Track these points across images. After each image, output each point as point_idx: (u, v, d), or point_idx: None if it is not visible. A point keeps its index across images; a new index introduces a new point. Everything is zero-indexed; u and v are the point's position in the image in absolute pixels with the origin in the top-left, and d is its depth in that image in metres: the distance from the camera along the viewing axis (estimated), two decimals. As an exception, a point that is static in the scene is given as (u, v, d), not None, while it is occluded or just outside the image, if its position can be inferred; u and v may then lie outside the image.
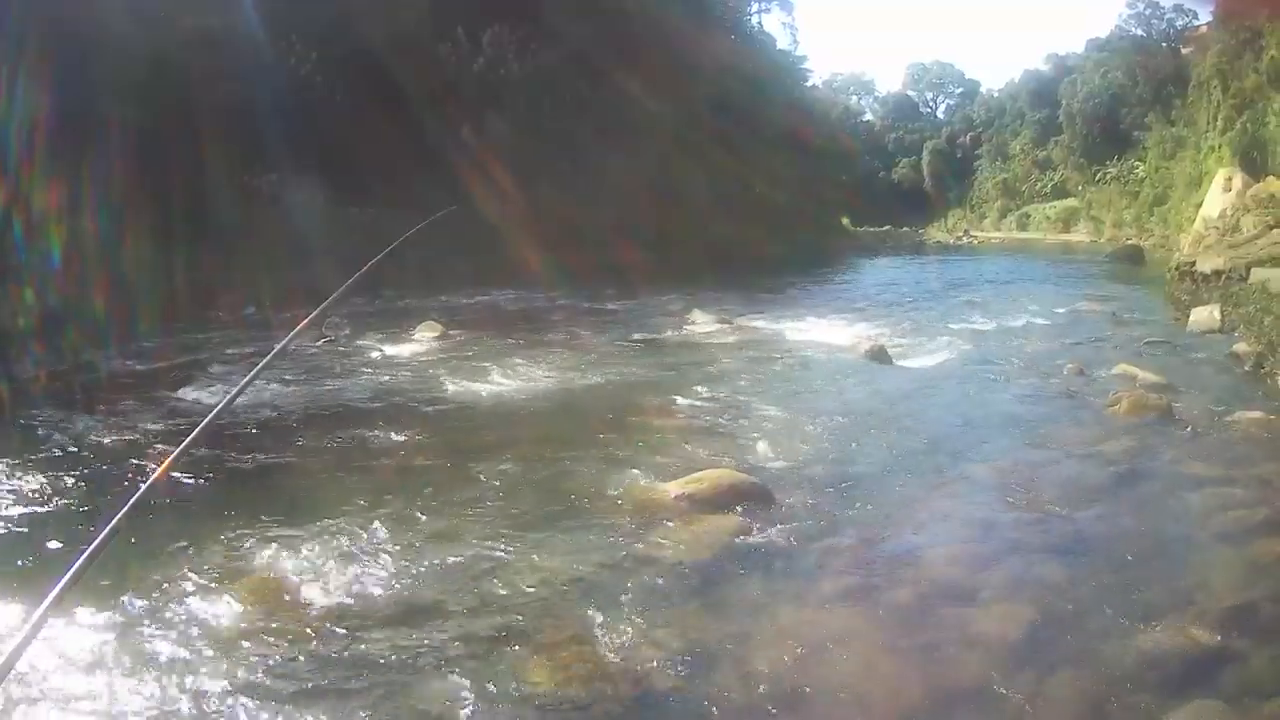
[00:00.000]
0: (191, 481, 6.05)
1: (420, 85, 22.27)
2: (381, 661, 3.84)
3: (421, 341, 12.41)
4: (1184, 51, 54.56)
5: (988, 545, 5.56)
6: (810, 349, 12.65)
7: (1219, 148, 34.21)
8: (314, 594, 4.50)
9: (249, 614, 4.25)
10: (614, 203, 24.40)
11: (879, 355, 11.66)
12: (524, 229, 21.18)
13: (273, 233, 17.58)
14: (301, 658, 3.86)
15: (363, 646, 3.96)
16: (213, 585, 4.51)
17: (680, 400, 8.96)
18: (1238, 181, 25.53)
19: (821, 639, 4.19)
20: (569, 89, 25.37)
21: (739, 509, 5.66)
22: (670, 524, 5.42)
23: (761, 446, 7.26)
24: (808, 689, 3.74)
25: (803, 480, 6.46)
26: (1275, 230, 18.59)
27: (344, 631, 4.09)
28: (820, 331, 14.20)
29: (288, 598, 4.45)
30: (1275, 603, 4.76)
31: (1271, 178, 24.73)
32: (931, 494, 6.46)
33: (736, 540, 5.25)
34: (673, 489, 5.84)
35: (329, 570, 4.73)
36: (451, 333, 13.03)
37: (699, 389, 9.42)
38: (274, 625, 4.15)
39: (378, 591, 4.54)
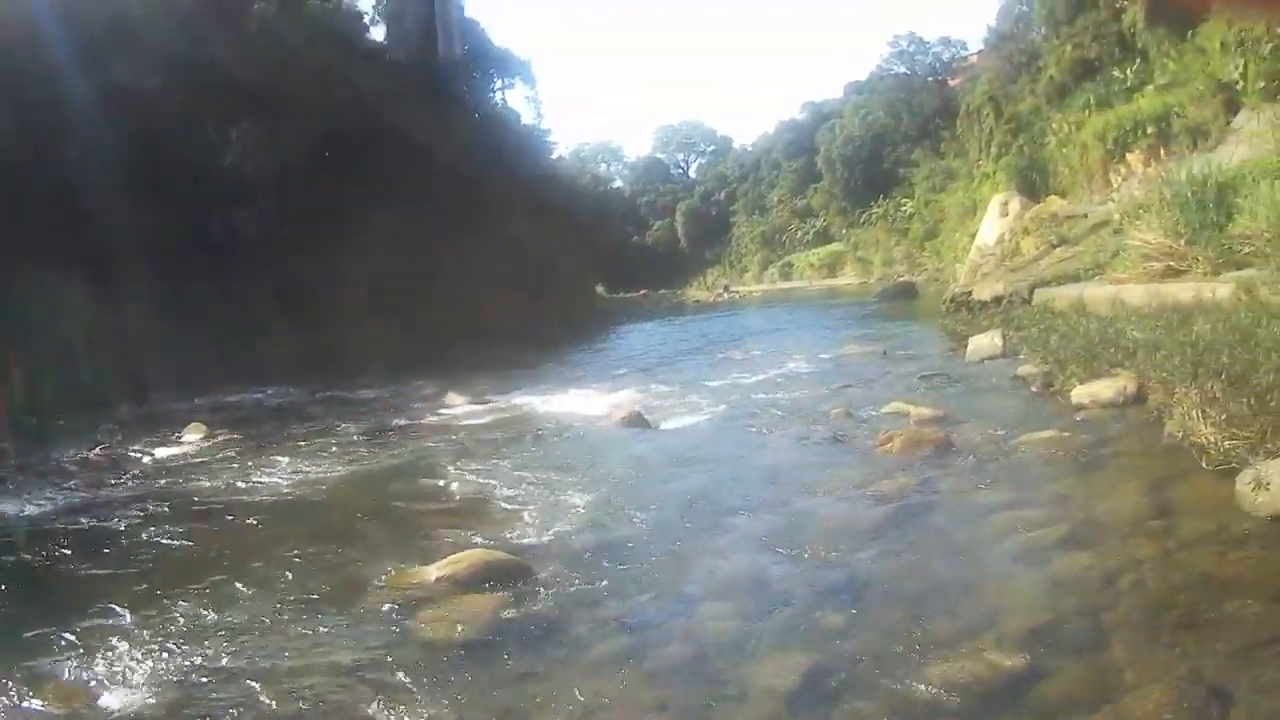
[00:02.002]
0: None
1: (174, 179, 26.16)
2: None
3: (190, 444, 14.00)
4: (951, 83, 61.80)
5: (758, 598, 5.99)
6: (566, 422, 14.06)
7: (994, 174, 38.47)
8: (69, 697, 5.26)
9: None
10: (361, 284, 28.92)
11: (637, 421, 13.00)
12: (278, 319, 25.86)
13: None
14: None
15: None
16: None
17: (438, 484, 10.16)
18: (1015, 205, 28.66)
19: (596, 706, 4.74)
20: (317, 177, 30.02)
21: (501, 586, 6.40)
22: (434, 607, 6.18)
23: (520, 523, 8.12)
24: None
25: (564, 553, 7.21)
26: (1058, 250, 20.92)
27: None
28: (576, 403, 15.84)
29: (58, 702, 5.22)
30: (1082, 616, 5.07)
31: (1053, 197, 27.97)
32: (697, 553, 7.03)
33: (501, 616, 5.96)
34: (434, 572, 6.65)
35: (88, 675, 5.49)
36: (217, 433, 14.69)
37: (456, 471, 10.59)
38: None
39: (158, 692, 5.21)
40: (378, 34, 43.41)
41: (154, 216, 24.46)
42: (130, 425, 15.58)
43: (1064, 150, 31.24)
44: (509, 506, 8.82)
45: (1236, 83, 21.34)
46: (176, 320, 22.92)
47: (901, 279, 46.65)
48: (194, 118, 28.34)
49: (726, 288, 72.50)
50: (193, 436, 14.51)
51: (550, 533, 7.80)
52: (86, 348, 20.06)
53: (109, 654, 5.70)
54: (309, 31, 32.48)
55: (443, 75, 41.44)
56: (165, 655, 5.65)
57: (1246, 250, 12.24)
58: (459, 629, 5.78)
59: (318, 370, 22.25)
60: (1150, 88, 27.97)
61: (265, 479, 11.08)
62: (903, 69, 69.72)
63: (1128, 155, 24.21)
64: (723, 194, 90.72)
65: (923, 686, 4.50)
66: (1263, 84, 19.83)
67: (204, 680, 5.30)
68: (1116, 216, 18.28)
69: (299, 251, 28.12)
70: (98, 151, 24.36)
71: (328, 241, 28.79)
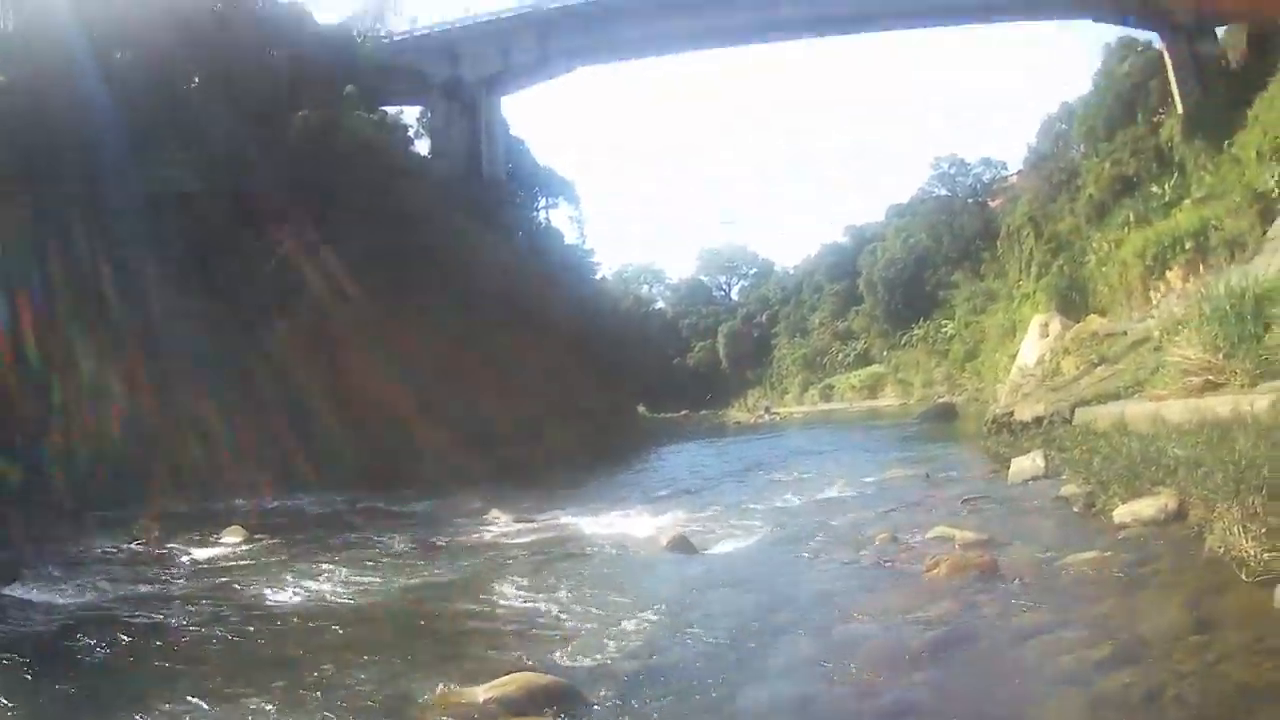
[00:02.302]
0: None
1: (221, 283, 27.44)
2: None
3: (229, 546, 14.23)
4: (992, 204, 63.04)
5: None
6: (612, 543, 14.09)
7: (1034, 294, 38.90)
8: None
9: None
10: (405, 397, 28.95)
11: (682, 545, 12.99)
12: (318, 426, 26.28)
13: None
14: None
15: None
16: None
17: (484, 602, 10.16)
18: (1056, 325, 28.93)
19: None
20: (360, 289, 30.21)
21: (551, 711, 6.40)
22: None
23: (568, 646, 8.11)
24: None
25: (613, 678, 7.22)
26: (1098, 369, 21.15)
27: None
28: (621, 524, 15.90)
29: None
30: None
31: (1093, 316, 28.29)
32: (745, 680, 7.08)
33: None
34: (482, 693, 6.63)
35: None
36: (257, 537, 14.87)
37: (502, 590, 10.67)
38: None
39: None
40: (422, 148, 44.67)
41: (201, 318, 25.43)
42: (169, 522, 15.90)
43: (1104, 269, 31.73)
44: (556, 628, 8.90)
45: (1272, 191, 21.80)
46: (217, 421, 23.53)
47: (942, 400, 46.82)
48: (240, 224, 29.40)
49: (768, 409, 72.87)
50: (232, 539, 14.80)
51: (599, 656, 7.83)
52: (128, 442, 20.85)
53: None
54: (353, 144, 33.63)
55: (487, 193, 42.80)
56: None
57: (1283, 359, 12.52)
58: None
59: (360, 480, 22.69)
60: (1188, 201, 28.49)
61: (307, 587, 11.23)
62: (944, 191, 71.60)
63: (1167, 272, 24.60)
64: (764, 316, 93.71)
65: None
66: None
67: None
68: (1156, 333, 18.58)
69: (342, 363, 28.97)
70: (150, 250, 25.23)
71: (370, 354, 29.38)
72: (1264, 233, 20.70)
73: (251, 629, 9.22)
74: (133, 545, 13.95)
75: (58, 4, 28.00)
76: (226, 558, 13.41)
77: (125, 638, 8.86)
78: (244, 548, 14.26)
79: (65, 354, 21.75)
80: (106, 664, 8.10)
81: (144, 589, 11.24)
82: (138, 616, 9.78)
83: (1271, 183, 22.02)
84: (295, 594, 10.92)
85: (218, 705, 6.77)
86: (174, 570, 12.44)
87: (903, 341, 66.14)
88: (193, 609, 10.09)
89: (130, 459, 20.50)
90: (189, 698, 6.92)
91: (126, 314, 24.04)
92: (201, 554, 13.57)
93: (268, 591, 10.99)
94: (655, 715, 6.51)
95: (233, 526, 15.48)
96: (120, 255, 25.04)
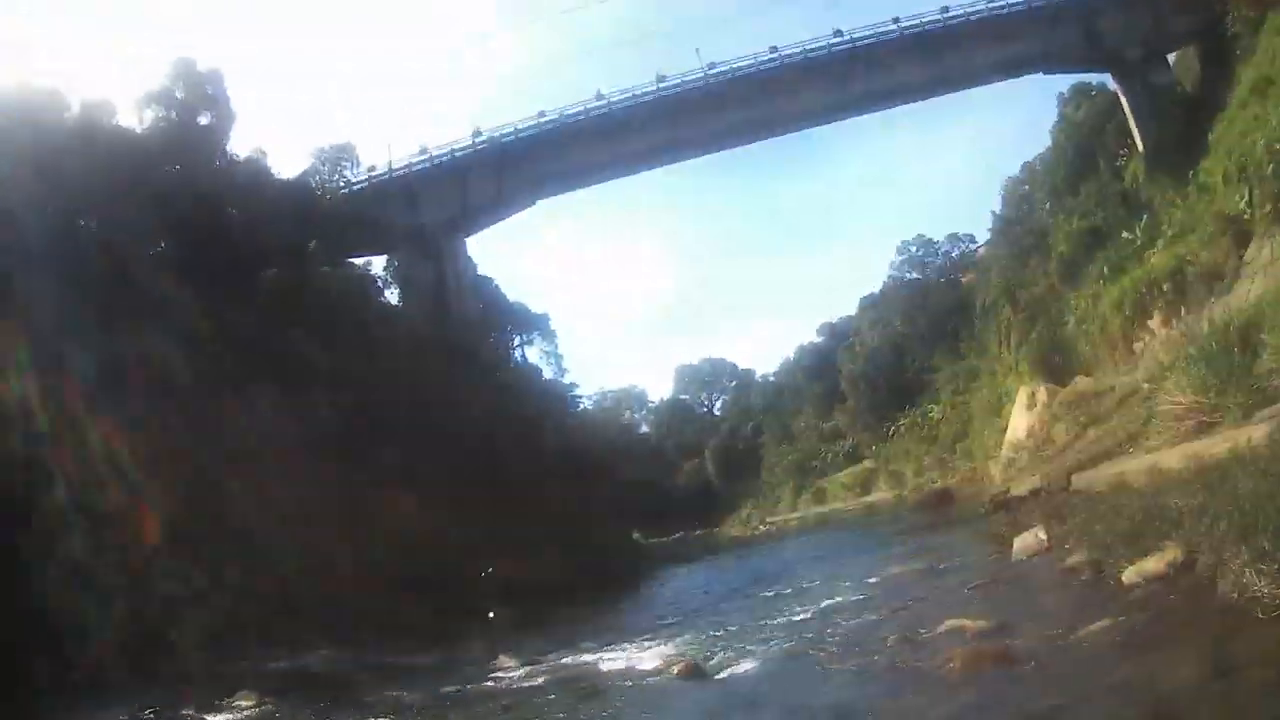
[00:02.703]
0: None
1: (194, 449, 26.54)
2: None
3: (242, 711, 14.22)
4: (964, 280, 63.95)
5: None
6: (623, 678, 14.06)
7: (1016, 365, 39.09)
8: None
9: None
10: (391, 555, 28.90)
11: (694, 672, 12.88)
12: (312, 583, 25.67)
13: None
14: None
15: None
16: None
17: None
18: (1042, 394, 29.09)
19: None
20: (338, 446, 30.44)
21: None
22: None
23: None
24: None
25: None
26: (1089, 431, 21.16)
27: None
28: (630, 657, 15.81)
29: None
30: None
31: (1080, 377, 28.41)
32: None
33: None
34: None
35: None
36: (266, 699, 14.82)
37: None
38: None
39: None
40: (392, 297, 45.41)
41: (175, 487, 24.76)
42: (177, 687, 15.96)
43: (1084, 327, 31.98)
44: None
45: (1244, 213, 22.03)
46: (206, 587, 22.96)
47: (936, 487, 46.78)
48: (211, 386, 29.18)
49: (762, 520, 73.08)
50: (243, 703, 14.72)
51: None
52: (126, 607, 20.31)
53: None
54: (322, 300, 34.18)
55: (460, 336, 43.40)
56: None
57: (1277, 384, 12.52)
58: None
59: (361, 635, 22.27)
60: (1161, 242, 28.83)
61: None
62: (914, 274, 72.81)
63: (1148, 320, 24.78)
64: (749, 427, 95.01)
65: None
66: (1269, 208, 20.43)
67: None
68: (1144, 384, 18.61)
69: (324, 524, 28.51)
70: (116, 413, 24.66)
71: (352, 514, 29.37)
72: (1240, 257, 20.85)
73: None
74: (143, 713, 13.89)
75: (20, 173, 28.18)
76: None
77: None
78: (256, 711, 14.27)
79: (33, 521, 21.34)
80: None
81: None
82: None
83: (1242, 204, 22.26)
84: None
85: None
86: None
87: (889, 433, 66.39)
88: None
89: (130, 623, 20.02)
90: None
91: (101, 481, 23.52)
92: None
93: None
94: None
95: (242, 692, 15.34)
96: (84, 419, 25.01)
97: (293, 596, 25.05)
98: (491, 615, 24.08)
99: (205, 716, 13.76)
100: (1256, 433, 11.32)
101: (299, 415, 30.55)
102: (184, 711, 14.15)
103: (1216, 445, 12.28)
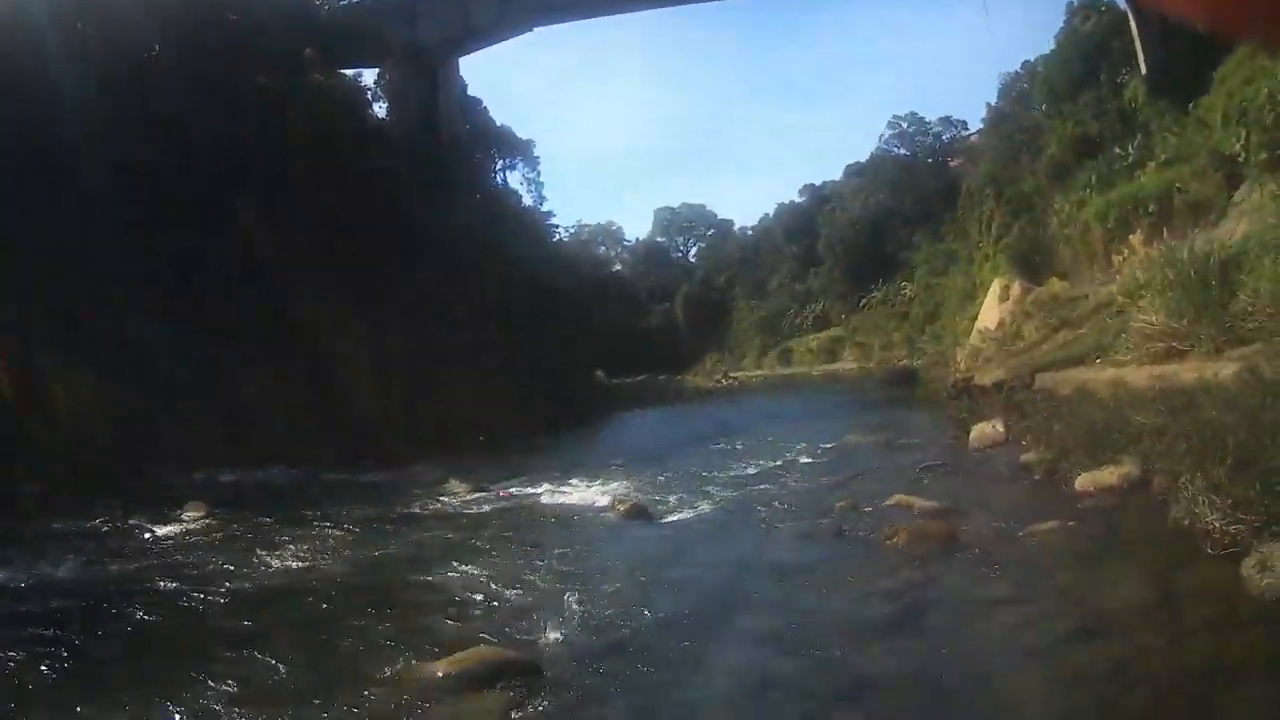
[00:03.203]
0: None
1: (178, 256, 26.18)
2: None
3: (189, 522, 14.10)
4: (952, 164, 62.96)
5: (768, 701, 6.07)
6: (570, 513, 14.25)
7: (993, 256, 38.86)
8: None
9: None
10: (362, 365, 29.12)
11: (640, 514, 13.09)
12: (280, 400, 25.72)
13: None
14: None
15: None
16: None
17: (443, 575, 10.14)
18: (1016, 289, 29.01)
19: None
20: (319, 255, 29.51)
21: (508, 685, 6.44)
22: (441, 704, 6.23)
23: (526, 620, 8.18)
24: None
25: (570, 651, 7.28)
26: (1059, 334, 21.18)
27: None
28: (579, 494, 16.03)
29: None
30: (1098, 708, 5.24)
31: (1055, 280, 28.30)
32: (704, 652, 7.07)
33: (510, 717, 5.98)
34: (440, 668, 6.70)
35: None
36: (216, 511, 14.78)
37: (461, 563, 10.64)
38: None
39: None
40: (380, 110, 44.26)
41: (157, 293, 24.83)
42: (130, 500, 15.60)
43: (1065, 232, 31.64)
44: (514, 601, 8.93)
45: (1238, 155, 21.77)
46: (175, 396, 23.21)
47: (901, 364, 46.96)
48: (196, 193, 28.25)
49: (726, 374, 72.85)
50: (192, 514, 14.66)
51: (556, 630, 7.83)
52: (88, 421, 20.65)
53: None
54: (310, 108, 32.96)
55: (444, 155, 42.29)
56: None
57: (1250, 326, 12.45)
58: None
59: (318, 451, 22.43)
60: (1152, 164, 28.46)
61: (267, 562, 11.19)
62: (903, 150, 71.52)
63: (1130, 236, 24.60)
64: (722, 278, 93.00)
65: None
66: (1264, 155, 20.19)
67: None
68: (1119, 298, 18.55)
69: (300, 332, 28.37)
70: (102, 228, 24.55)
71: (328, 322, 29.12)
72: (1230, 197, 20.71)
73: (209, 606, 9.20)
74: (95, 525, 13.73)
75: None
76: (187, 534, 13.32)
77: (85, 617, 8.79)
78: (204, 523, 14.13)
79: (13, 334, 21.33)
80: (66, 643, 7.94)
81: (104, 569, 11.15)
82: (98, 595, 9.69)
83: (1237, 146, 21.95)
84: (254, 569, 10.86)
85: (177, 683, 6.67)
86: (134, 548, 12.25)
87: (861, 304, 66.13)
88: (151, 588, 10.01)
89: (90, 438, 20.28)
90: (147, 676, 6.95)
91: (84, 292, 23.33)
92: (163, 530, 13.44)
93: (227, 568, 10.90)
94: (613, 690, 6.47)
95: (193, 503, 15.33)
96: (74, 227, 24.53)
97: (251, 415, 25.13)
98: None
99: (154, 528, 13.59)
100: (1226, 369, 11.27)
101: (278, 225, 29.50)
102: (133, 522, 13.99)
103: (1184, 373, 12.28)
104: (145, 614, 8.87)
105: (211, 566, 10.96)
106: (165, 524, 13.89)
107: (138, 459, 19.87)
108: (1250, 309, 12.59)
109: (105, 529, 13.55)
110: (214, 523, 14.11)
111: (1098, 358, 16.81)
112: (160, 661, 7.43)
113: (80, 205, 24.44)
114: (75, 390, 21.51)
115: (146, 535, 13.14)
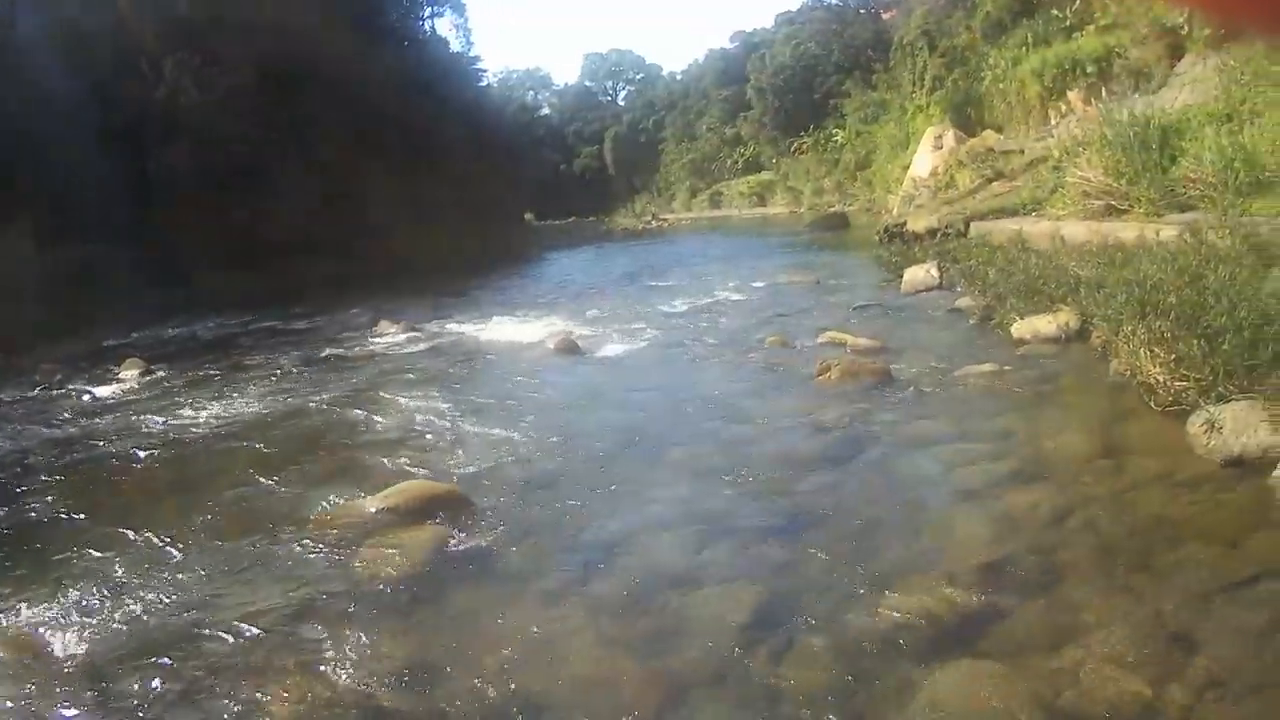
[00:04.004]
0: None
1: (110, 117, 26.69)
2: (118, 709, 4.36)
3: (126, 380, 13.96)
4: (885, 16, 61.60)
5: (702, 529, 5.86)
6: (500, 349, 14.28)
7: (927, 107, 38.33)
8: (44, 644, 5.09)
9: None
10: (296, 217, 29.51)
11: (570, 348, 13.12)
12: (214, 254, 26.68)
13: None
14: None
15: (98, 694, 4.51)
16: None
17: (374, 414, 10.10)
18: (950, 139, 28.58)
19: (542, 638, 4.70)
20: (247, 111, 29.97)
21: (441, 518, 6.39)
22: (375, 539, 6.12)
23: (458, 454, 8.12)
24: (534, 689, 4.25)
25: (503, 483, 7.19)
26: (994, 184, 20.92)
27: (83, 679, 4.65)
28: (509, 330, 16.04)
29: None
30: (1035, 554, 4.98)
31: (989, 132, 27.93)
32: (637, 483, 6.95)
33: (443, 549, 5.93)
34: (373, 504, 6.62)
35: (26, 616, 5.40)
36: (153, 368, 14.67)
37: (392, 400, 10.66)
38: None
39: (98, 634, 5.11)
40: None
41: (91, 155, 24.63)
42: (69, 363, 15.62)
43: (1001, 86, 31.14)
44: (446, 436, 8.83)
45: (1181, 27, 21.24)
46: (114, 258, 23.58)
47: (833, 209, 46.72)
48: (129, 54, 28.72)
49: (654, 215, 72.57)
50: (130, 373, 14.49)
51: (488, 463, 7.74)
52: (23, 286, 20.37)
53: (48, 597, 5.61)
54: None
55: (371, 3, 41.51)
56: (106, 596, 5.58)
57: (1191, 194, 12.20)
58: (401, 562, 5.74)
59: (253, 303, 22.60)
60: (1090, 27, 27.84)
61: (202, 413, 11.08)
62: (834, 0, 69.85)
63: (1067, 93, 24.16)
64: (651, 122, 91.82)
65: (875, 621, 4.45)
66: (1208, 31, 19.71)
67: (144, 620, 5.24)
68: (1056, 153, 18.23)
69: (233, 187, 28.78)
70: (33, 91, 24.63)
71: (261, 175, 29.57)
72: (1171, 67, 20.22)
73: (147, 462, 9.07)
74: (34, 391, 13.53)
75: None
76: (125, 392, 13.21)
77: (16, 484, 8.50)
78: (142, 380, 14.03)
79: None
80: (9, 504, 7.75)
81: (44, 432, 10.89)
82: (34, 460, 9.46)
83: (1181, 18, 21.37)
84: (190, 420, 10.76)
85: (113, 540, 6.54)
86: (73, 410, 12.12)
87: (792, 149, 65.26)
88: (89, 447, 9.86)
89: (26, 302, 20.18)
90: (83, 536, 6.74)
91: (19, 156, 23.31)
92: (102, 391, 13.29)
93: (164, 420, 10.82)
94: (546, 520, 6.35)
95: (130, 360, 15.13)
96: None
97: (184, 267, 26.21)
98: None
99: (92, 388, 13.41)
100: (1167, 230, 10.98)
101: (207, 75, 29.89)
102: (71, 386, 13.81)
103: (1124, 231, 11.97)
104: (78, 475, 8.67)
105: (147, 421, 10.81)
106: (104, 385, 13.73)
107: (74, 322, 19.87)
108: (1191, 176, 12.30)
109: (43, 393, 13.40)
110: (151, 379, 14.02)
111: (1034, 210, 16.57)
112: (95, 519, 7.22)
113: (6, 65, 24.60)
114: (11, 253, 21.37)
115: (85, 398, 12.93)
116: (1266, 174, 11.23)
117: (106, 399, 12.71)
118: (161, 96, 29.27)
